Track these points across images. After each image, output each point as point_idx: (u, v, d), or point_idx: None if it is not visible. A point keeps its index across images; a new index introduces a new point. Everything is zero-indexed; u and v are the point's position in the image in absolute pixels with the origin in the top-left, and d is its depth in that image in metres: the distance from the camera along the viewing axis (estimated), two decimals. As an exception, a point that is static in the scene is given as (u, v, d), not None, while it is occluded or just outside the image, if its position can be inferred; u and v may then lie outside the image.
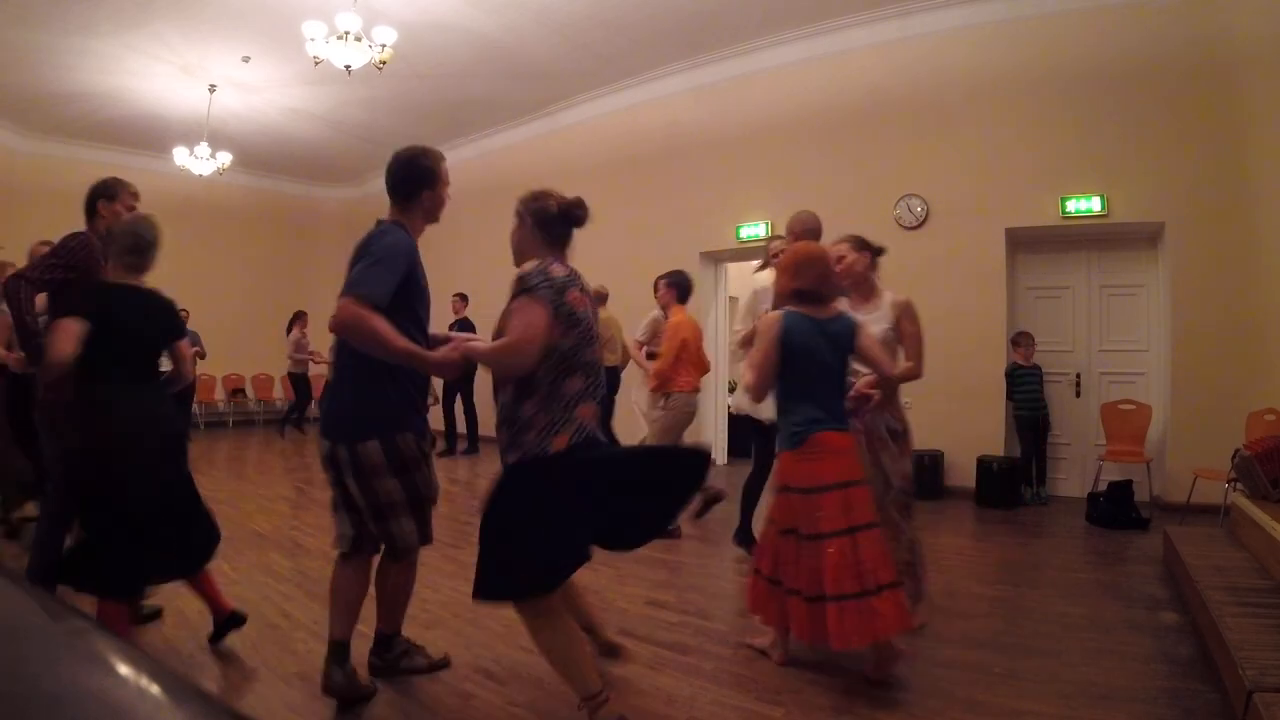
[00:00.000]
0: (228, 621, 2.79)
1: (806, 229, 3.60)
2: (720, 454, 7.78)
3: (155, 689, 0.32)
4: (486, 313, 7.39)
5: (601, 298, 6.24)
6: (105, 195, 3.04)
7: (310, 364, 9.73)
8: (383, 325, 2.07)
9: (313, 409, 9.84)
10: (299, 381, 9.94)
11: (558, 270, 2.09)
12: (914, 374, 3.00)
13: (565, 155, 9.16)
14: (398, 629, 2.60)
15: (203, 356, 9.20)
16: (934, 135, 6.44)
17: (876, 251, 3.15)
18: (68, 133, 9.81)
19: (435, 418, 9.83)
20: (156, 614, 3.05)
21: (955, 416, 6.05)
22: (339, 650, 2.31)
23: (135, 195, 3.13)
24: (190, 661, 2.64)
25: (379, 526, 2.34)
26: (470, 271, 10.05)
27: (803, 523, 2.51)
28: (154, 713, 0.32)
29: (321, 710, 2.32)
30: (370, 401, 2.26)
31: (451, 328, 8.37)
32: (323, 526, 4.97)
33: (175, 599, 3.25)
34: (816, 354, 2.57)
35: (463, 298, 8.84)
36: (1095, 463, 5.65)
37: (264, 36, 7.09)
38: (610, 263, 6.41)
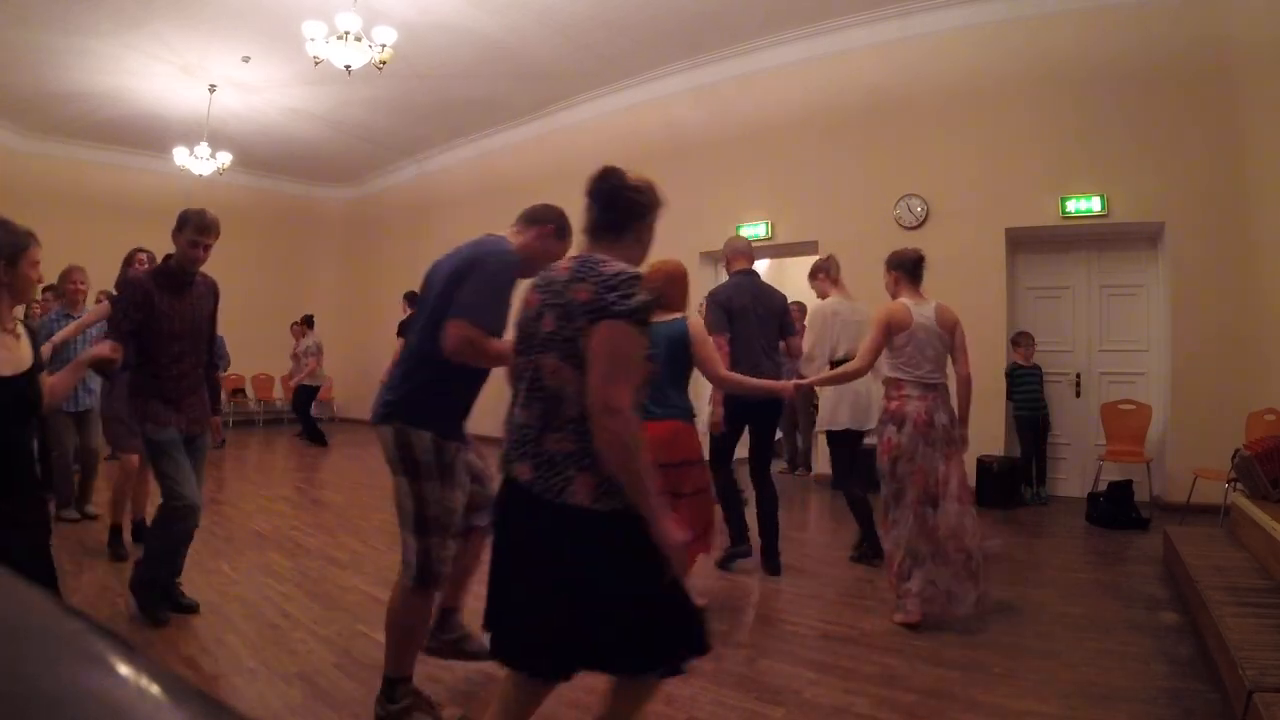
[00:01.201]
0: None
1: (736, 251, 4.21)
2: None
3: (155, 689, 0.32)
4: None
5: None
6: (175, 226, 3.02)
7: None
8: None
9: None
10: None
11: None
12: (851, 370, 3.34)
13: (565, 155, 9.15)
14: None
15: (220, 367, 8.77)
16: (934, 135, 6.44)
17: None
18: (68, 133, 9.81)
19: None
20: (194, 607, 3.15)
21: (955, 416, 6.05)
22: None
23: (201, 230, 2.99)
24: (190, 661, 2.65)
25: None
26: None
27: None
28: (154, 713, 0.32)
29: (321, 710, 2.32)
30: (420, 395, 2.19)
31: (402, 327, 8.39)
32: (323, 526, 4.97)
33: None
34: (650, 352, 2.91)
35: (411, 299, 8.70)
36: (1095, 463, 5.65)
37: (264, 36, 7.09)
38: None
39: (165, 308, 2.96)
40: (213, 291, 3.29)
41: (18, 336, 2.06)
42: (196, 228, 3.01)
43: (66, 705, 0.29)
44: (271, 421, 11.84)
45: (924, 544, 3.10)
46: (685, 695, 2.47)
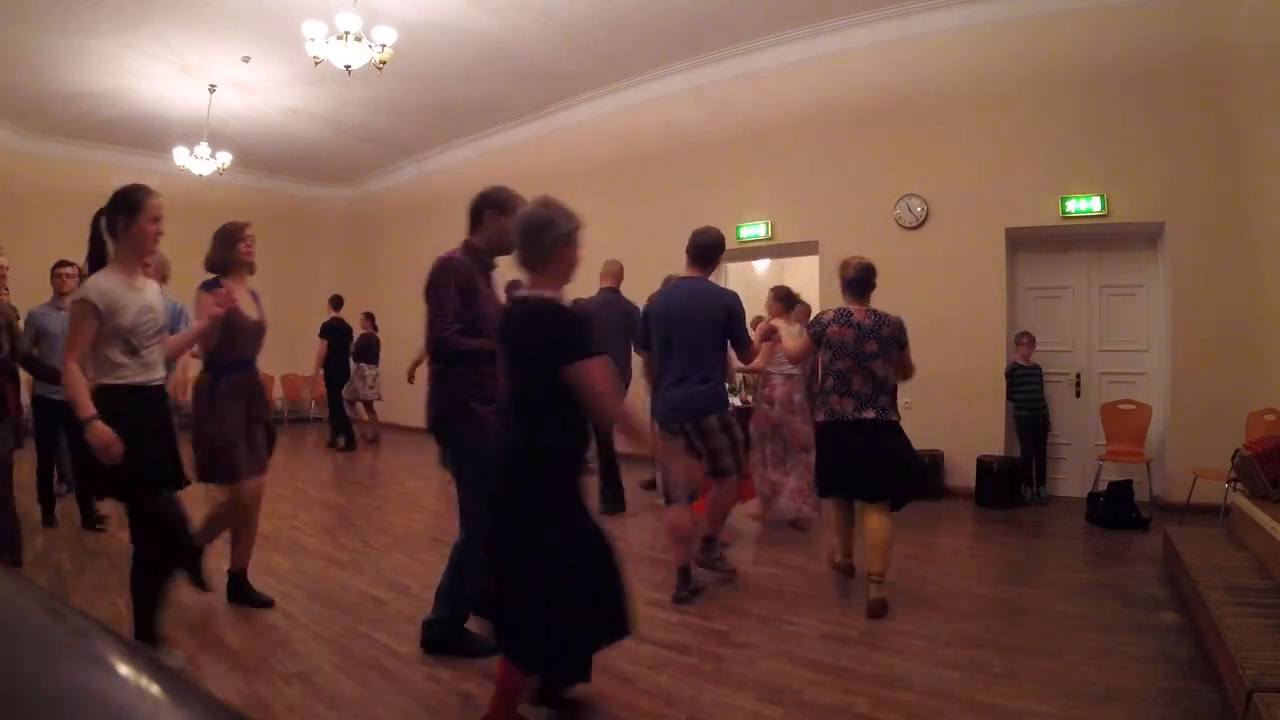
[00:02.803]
0: None
1: (611, 273, 5.50)
2: None
3: (155, 689, 0.32)
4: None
5: None
6: (492, 206, 2.68)
7: None
8: None
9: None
10: None
11: (829, 314, 3.53)
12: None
13: (565, 155, 9.16)
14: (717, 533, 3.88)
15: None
16: (934, 135, 6.44)
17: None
18: (67, 133, 9.80)
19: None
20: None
21: (955, 416, 6.05)
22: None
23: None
24: (191, 661, 2.65)
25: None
26: (470, 271, 10.03)
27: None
28: (154, 713, 0.32)
29: (321, 710, 2.32)
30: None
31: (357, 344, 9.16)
32: (323, 526, 4.98)
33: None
34: None
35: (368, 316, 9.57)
36: (1095, 463, 5.64)
37: (264, 36, 7.09)
38: (610, 263, 6.42)
39: (484, 291, 2.57)
40: None
41: None
42: (510, 198, 2.71)
43: (66, 705, 0.29)
44: (298, 420, 12.01)
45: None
46: (686, 695, 2.47)
